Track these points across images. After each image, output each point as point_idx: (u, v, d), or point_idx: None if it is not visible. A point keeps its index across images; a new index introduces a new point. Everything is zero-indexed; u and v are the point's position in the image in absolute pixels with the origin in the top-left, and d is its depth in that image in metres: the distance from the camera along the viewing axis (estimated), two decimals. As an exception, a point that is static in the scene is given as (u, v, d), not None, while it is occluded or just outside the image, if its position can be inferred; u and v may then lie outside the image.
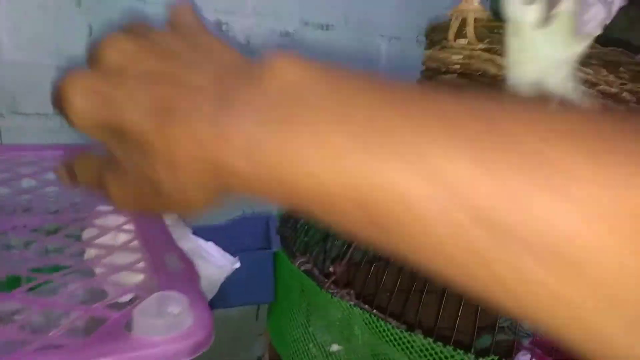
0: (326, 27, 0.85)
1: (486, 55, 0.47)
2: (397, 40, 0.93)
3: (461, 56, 0.48)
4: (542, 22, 0.42)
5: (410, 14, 0.91)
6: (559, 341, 0.14)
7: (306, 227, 0.60)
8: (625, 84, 0.44)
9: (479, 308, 0.47)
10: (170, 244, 0.36)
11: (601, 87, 0.44)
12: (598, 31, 0.42)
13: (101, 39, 0.20)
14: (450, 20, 0.49)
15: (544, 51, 0.41)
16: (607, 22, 0.42)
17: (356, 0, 0.86)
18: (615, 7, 0.42)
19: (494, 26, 0.49)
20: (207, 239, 0.53)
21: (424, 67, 0.54)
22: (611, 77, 0.44)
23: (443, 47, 0.50)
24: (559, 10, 0.42)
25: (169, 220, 0.51)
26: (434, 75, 0.52)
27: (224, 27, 0.76)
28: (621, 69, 0.44)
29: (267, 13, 0.79)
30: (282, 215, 0.65)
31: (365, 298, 0.51)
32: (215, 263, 0.47)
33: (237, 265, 0.49)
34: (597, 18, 0.41)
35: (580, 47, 0.41)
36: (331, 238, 0.62)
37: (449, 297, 0.48)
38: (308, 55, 0.18)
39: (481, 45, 0.47)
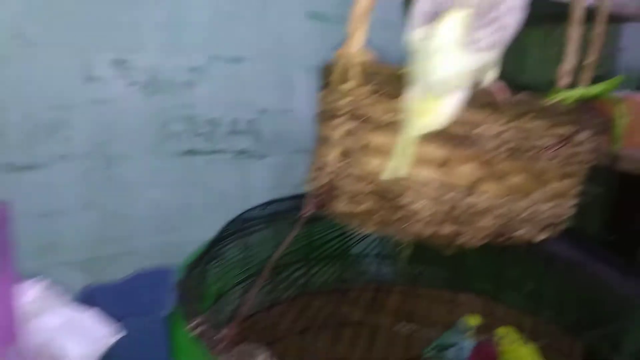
0: (237, 60, 0.82)
1: (373, 98, 0.45)
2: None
3: (348, 100, 0.46)
4: (432, 41, 0.41)
5: (328, 43, 0.90)
6: None
7: (207, 282, 0.56)
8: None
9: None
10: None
11: (482, 127, 0.43)
12: (490, 50, 0.41)
13: None
14: (336, 62, 0.47)
15: (437, 71, 0.40)
16: (501, 44, 0.41)
17: (269, 31, 0.84)
18: (509, 31, 0.41)
19: (380, 68, 0.47)
20: (98, 301, 0.48)
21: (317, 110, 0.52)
22: (492, 117, 0.43)
23: (332, 90, 0.48)
24: (447, 28, 0.41)
25: (39, 291, 0.47)
26: (326, 119, 0.50)
27: (124, 66, 0.72)
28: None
29: (171, 48, 0.75)
30: (186, 266, 0.61)
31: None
32: (92, 335, 0.43)
33: (122, 334, 0.45)
34: (485, 39, 0.40)
35: (473, 65, 0.40)
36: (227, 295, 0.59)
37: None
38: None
39: (367, 88, 0.45)
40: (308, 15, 0.86)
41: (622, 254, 0.76)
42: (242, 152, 0.87)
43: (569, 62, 0.59)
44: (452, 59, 0.39)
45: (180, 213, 0.83)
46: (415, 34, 0.42)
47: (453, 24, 0.40)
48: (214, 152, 0.84)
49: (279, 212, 0.77)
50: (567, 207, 0.53)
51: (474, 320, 0.82)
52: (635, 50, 1.18)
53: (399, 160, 0.42)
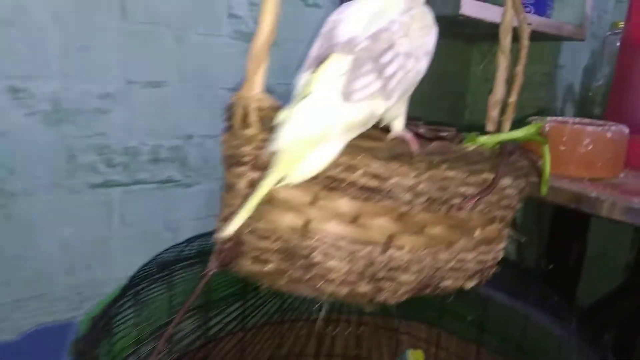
0: (156, 84, 0.76)
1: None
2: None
3: (250, 148, 0.41)
4: (307, 88, 0.37)
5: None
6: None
7: (114, 338, 0.50)
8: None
9: None
10: None
11: (394, 180, 0.39)
12: (373, 100, 0.37)
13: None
14: (236, 105, 0.42)
15: (306, 121, 0.35)
16: (384, 95, 0.37)
17: (191, 52, 0.78)
18: (393, 82, 0.37)
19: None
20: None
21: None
22: (404, 169, 0.39)
23: (234, 134, 0.43)
24: (324, 75, 0.36)
25: None
26: (230, 165, 0.44)
27: (21, 95, 0.65)
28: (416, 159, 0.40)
29: (77, 74, 0.68)
30: (88, 320, 0.55)
31: None
32: None
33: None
34: (368, 88, 0.36)
35: (347, 117, 0.36)
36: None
37: None
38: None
39: (268, 137, 0.40)
40: (233, 35, 0.81)
41: (561, 283, 0.75)
42: (166, 182, 0.81)
43: (498, 91, 0.57)
44: (323, 109, 0.35)
45: (96, 251, 0.75)
46: (300, 79, 0.38)
47: (332, 71, 0.36)
48: (133, 183, 0.77)
49: (204, 251, 0.72)
50: (496, 252, 0.50)
51: (417, 356, 0.79)
52: (574, 68, 1.19)
53: (245, 211, 0.36)
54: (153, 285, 0.80)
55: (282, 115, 0.36)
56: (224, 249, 0.44)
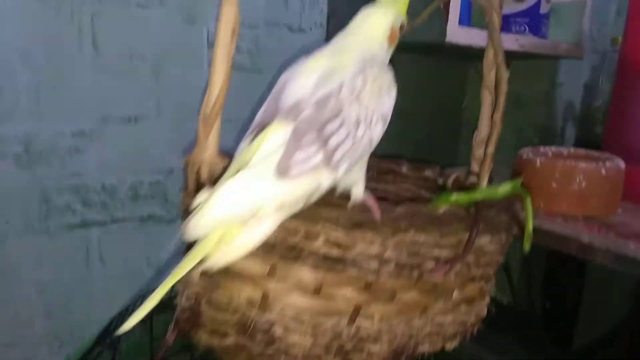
0: (135, 119, 0.74)
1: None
2: (229, 123, 0.83)
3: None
4: (241, 159, 0.34)
5: (240, 94, 0.82)
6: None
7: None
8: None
9: None
10: None
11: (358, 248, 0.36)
12: (311, 174, 0.33)
13: None
14: (189, 167, 0.39)
15: (237, 202, 0.32)
16: (330, 167, 0.34)
17: (168, 86, 0.75)
18: (339, 152, 0.34)
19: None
20: None
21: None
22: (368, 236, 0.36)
23: (189, 195, 0.40)
24: (262, 146, 0.34)
25: None
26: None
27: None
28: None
29: (49, 113, 0.66)
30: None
31: None
32: None
33: None
34: (308, 162, 0.32)
35: (284, 193, 0.32)
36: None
37: None
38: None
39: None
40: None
41: (557, 322, 0.72)
42: (147, 218, 0.78)
43: (483, 129, 0.53)
44: (250, 189, 0.31)
45: (74, 293, 0.73)
46: (240, 147, 0.35)
47: (270, 142, 0.33)
48: (112, 221, 0.75)
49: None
50: (479, 309, 0.47)
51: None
52: (572, 85, 1.15)
53: (153, 299, 0.32)
54: (131, 331, 0.77)
55: (201, 197, 0.33)
56: (181, 318, 0.41)
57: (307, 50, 0.40)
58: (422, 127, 1.11)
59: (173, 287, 0.32)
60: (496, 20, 0.46)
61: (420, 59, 1.02)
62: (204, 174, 0.38)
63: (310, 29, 0.87)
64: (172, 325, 0.42)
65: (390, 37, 0.40)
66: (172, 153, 0.78)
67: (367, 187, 0.65)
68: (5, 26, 0.61)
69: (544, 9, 0.95)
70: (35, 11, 0.63)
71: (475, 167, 0.53)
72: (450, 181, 0.58)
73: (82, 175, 0.70)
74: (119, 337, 0.68)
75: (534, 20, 0.95)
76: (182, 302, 0.41)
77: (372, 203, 0.38)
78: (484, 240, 0.41)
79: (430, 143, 1.17)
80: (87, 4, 0.66)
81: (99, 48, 0.68)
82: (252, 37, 0.81)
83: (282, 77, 0.38)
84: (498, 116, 0.42)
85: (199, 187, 0.38)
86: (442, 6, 0.69)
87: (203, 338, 0.40)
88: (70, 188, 0.70)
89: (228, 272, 0.38)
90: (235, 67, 0.80)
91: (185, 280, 0.41)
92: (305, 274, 0.37)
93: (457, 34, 0.70)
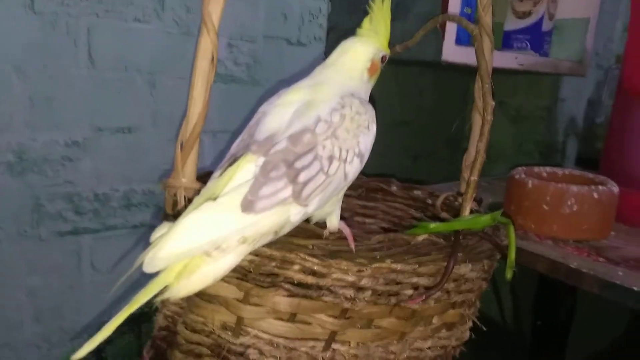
0: (129, 129, 0.74)
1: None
2: (224, 134, 0.84)
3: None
4: (211, 190, 0.34)
5: (234, 105, 0.83)
6: None
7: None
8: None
9: None
10: None
11: (334, 276, 0.36)
12: (279, 207, 0.33)
13: None
14: (167, 192, 0.39)
15: (198, 230, 0.31)
16: (299, 202, 0.34)
17: (164, 97, 0.76)
18: (309, 187, 0.33)
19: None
20: None
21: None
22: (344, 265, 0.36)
23: (166, 219, 0.40)
24: (232, 180, 0.33)
25: None
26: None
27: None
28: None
29: (43, 123, 0.67)
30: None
31: None
32: None
33: None
34: (275, 196, 0.32)
35: (249, 227, 0.32)
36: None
37: None
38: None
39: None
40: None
41: (550, 340, 0.71)
42: (139, 226, 0.78)
43: (473, 152, 0.53)
44: (213, 222, 0.31)
45: (65, 298, 0.74)
46: (214, 175, 0.35)
47: (240, 175, 0.32)
48: (104, 229, 0.75)
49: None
50: (460, 334, 0.46)
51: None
52: (575, 100, 1.15)
53: (110, 326, 0.32)
54: (122, 337, 0.78)
55: (161, 230, 0.33)
56: (157, 336, 0.41)
57: (306, 64, 0.40)
58: (423, 139, 1.11)
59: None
60: (487, 47, 0.45)
61: (421, 71, 1.01)
62: (181, 200, 0.37)
63: (310, 42, 0.87)
64: (150, 343, 0.42)
65: (371, 69, 0.40)
66: (166, 162, 0.78)
67: (356, 205, 0.65)
68: (1, 38, 0.62)
69: (546, 26, 0.94)
70: (32, 23, 0.63)
71: (464, 188, 0.52)
72: (439, 202, 0.57)
73: (74, 183, 0.71)
74: (104, 344, 0.68)
75: (535, 38, 0.94)
76: (159, 320, 0.41)
77: (348, 233, 0.38)
78: (464, 269, 0.40)
79: (430, 154, 1.16)
80: (84, 17, 0.67)
81: (94, 60, 0.69)
82: (251, 51, 0.82)
83: (260, 109, 0.37)
84: (482, 145, 0.41)
85: (175, 211, 0.38)
86: (438, 26, 0.69)
87: (178, 357, 0.40)
88: (63, 196, 0.70)
89: (203, 295, 0.38)
90: (234, 80, 0.81)
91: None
92: (280, 300, 0.37)
93: (453, 53, 0.70)
